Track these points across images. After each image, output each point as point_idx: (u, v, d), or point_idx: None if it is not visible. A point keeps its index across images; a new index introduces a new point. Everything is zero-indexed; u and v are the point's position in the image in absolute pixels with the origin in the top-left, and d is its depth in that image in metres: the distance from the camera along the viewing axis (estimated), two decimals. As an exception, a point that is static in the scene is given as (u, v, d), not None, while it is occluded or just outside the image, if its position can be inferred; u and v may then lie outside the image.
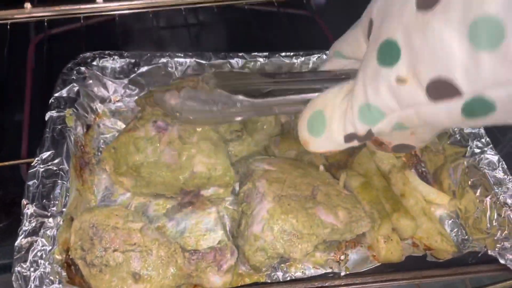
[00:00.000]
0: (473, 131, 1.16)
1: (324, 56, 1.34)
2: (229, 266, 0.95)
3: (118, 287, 0.88)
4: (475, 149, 1.12)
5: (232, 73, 1.02)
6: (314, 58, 1.34)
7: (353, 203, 1.02)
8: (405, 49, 0.55)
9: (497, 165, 1.09)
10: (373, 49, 0.59)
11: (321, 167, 1.10)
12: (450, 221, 1.13)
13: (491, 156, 1.10)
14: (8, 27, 1.40)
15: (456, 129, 1.18)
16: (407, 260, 1.01)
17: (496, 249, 0.97)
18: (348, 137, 0.68)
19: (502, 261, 0.94)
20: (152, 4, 1.39)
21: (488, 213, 1.03)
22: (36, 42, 1.57)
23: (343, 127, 0.67)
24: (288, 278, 0.99)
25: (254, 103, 0.80)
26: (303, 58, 1.33)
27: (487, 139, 1.15)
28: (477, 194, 1.07)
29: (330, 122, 0.69)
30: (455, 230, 1.11)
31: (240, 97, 0.81)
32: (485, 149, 1.12)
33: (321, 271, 1.01)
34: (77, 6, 1.33)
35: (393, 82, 0.57)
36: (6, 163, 1.12)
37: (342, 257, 1.05)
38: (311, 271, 1.01)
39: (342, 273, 0.97)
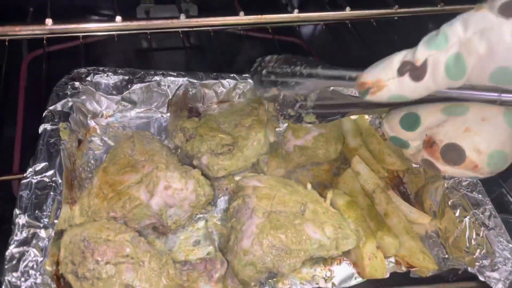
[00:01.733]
0: (452, 154, 1.22)
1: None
2: (220, 275, 0.97)
3: (110, 299, 0.88)
4: (454, 172, 1.18)
5: None
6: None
7: (339, 221, 1.05)
8: None
9: (475, 187, 1.14)
10: None
11: (309, 186, 1.13)
12: (430, 241, 1.17)
13: (470, 179, 1.16)
14: (6, 43, 1.41)
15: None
16: (392, 277, 1.04)
17: (476, 267, 1.01)
18: (403, 65, 0.71)
19: (481, 278, 0.98)
20: (150, 26, 1.42)
21: (467, 232, 1.08)
22: (31, 58, 1.58)
23: (403, 54, 0.72)
24: (276, 293, 1.01)
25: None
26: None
27: (466, 162, 1.20)
28: (457, 214, 1.12)
29: (392, 54, 0.74)
30: (436, 249, 1.15)
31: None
32: (464, 171, 1.18)
33: (307, 286, 1.04)
34: (76, 26, 1.35)
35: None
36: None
37: (328, 274, 1.07)
38: (298, 287, 1.04)
39: (328, 287, 0.99)
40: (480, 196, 1.13)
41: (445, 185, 1.17)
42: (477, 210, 1.09)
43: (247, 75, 1.37)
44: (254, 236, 0.97)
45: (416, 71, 0.71)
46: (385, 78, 0.74)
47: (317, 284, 1.05)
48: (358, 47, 1.86)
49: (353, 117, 1.44)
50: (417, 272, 1.09)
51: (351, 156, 1.30)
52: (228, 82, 1.35)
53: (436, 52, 0.69)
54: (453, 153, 0.75)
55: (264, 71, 1.14)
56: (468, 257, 1.06)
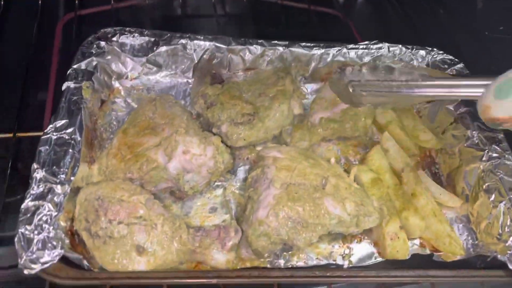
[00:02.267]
0: (492, 135, 1.13)
1: (344, 50, 1.32)
2: (233, 244, 0.95)
3: (122, 259, 0.87)
4: (493, 154, 1.09)
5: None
6: (334, 50, 1.32)
7: (362, 197, 1.00)
8: None
9: (513, 171, 1.06)
10: None
11: (332, 160, 1.08)
12: (460, 225, 1.10)
13: (510, 162, 1.07)
14: (40, 2, 1.41)
15: (474, 132, 1.15)
16: (413, 258, 0.98)
17: (507, 255, 0.94)
18: None
19: (511, 267, 0.91)
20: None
21: (501, 219, 1.00)
22: (66, 21, 1.57)
23: None
24: (290, 266, 0.98)
25: None
26: (323, 50, 1.32)
27: (506, 144, 1.12)
28: (491, 199, 1.04)
29: None
30: (465, 234, 1.09)
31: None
32: (504, 154, 1.09)
33: (324, 262, 1.00)
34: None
35: None
36: (27, 134, 1.13)
37: (347, 251, 1.03)
38: (314, 262, 1.00)
39: (345, 266, 0.95)
40: (518, 180, 1.04)
41: (481, 167, 1.09)
42: (515, 196, 1.01)
43: (276, 41, 1.31)
44: (270, 207, 0.94)
45: None
46: None
47: (334, 260, 1.01)
48: (400, 20, 1.75)
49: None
50: (442, 256, 1.03)
51: (381, 131, 1.24)
52: (255, 48, 1.30)
53: None
54: None
55: (350, 86, 1.10)
56: (500, 244, 0.99)
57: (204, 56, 1.28)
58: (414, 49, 1.35)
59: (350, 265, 0.98)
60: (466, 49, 1.47)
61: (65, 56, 1.38)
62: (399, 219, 1.03)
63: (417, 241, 1.07)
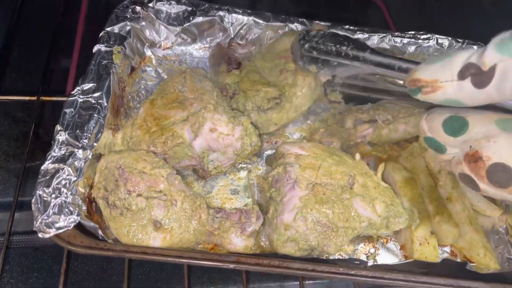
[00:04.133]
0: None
1: (389, 37, 1.24)
2: (253, 230, 0.90)
3: (137, 232, 0.84)
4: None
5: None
6: (378, 36, 1.25)
7: (391, 197, 0.93)
8: None
9: None
10: None
11: (358, 156, 1.01)
12: (497, 237, 1.03)
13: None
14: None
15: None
16: (444, 263, 0.92)
17: (546, 275, 0.87)
18: (467, 68, 0.64)
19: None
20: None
21: (542, 235, 0.93)
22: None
23: (467, 55, 0.65)
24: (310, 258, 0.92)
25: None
26: (366, 35, 1.24)
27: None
28: (533, 213, 0.96)
29: (453, 52, 0.69)
30: (501, 247, 1.01)
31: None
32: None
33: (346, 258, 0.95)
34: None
35: None
36: (51, 98, 1.10)
37: (372, 251, 0.98)
38: (335, 256, 0.95)
39: (370, 263, 0.90)
40: None
41: None
42: (561, 213, 0.93)
43: (317, 21, 1.24)
44: (297, 210, 0.87)
45: (481, 77, 0.62)
46: (443, 79, 0.67)
47: (358, 259, 0.95)
48: (439, 4, 1.63)
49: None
50: (474, 267, 0.96)
51: (420, 128, 1.16)
52: (295, 26, 1.23)
53: (509, 58, 0.59)
54: (502, 175, 0.67)
55: (306, 45, 1.05)
56: (538, 262, 0.91)
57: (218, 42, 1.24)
58: (465, 43, 1.26)
59: (375, 263, 0.92)
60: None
61: (92, 23, 1.35)
62: (431, 224, 0.96)
63: (447, 249, 1.00)
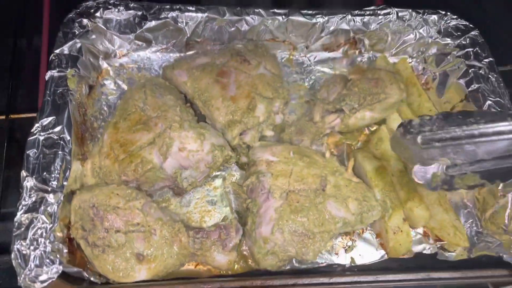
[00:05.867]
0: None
1: (349, 17, 1.21)
2: (234, 244, 0.94)
3: (122, 267, 0.87)
4: (504, 138, 1.04)
5: None
6: (338, 18, 1.21)
7: (363, 193, 0.97)
8: None
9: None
10: None
11: (327, 154, 1.03)
12: (466, 211, 1.08)
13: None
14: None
15: (487, 112, 1.08)
16: (416, 257, 0.98)
17: None
18: None
19: (516, 268, 0.91)
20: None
21: (508, 209, 0.98)
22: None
23: None
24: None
25: None
26: (326, 18, 1.21)
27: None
28: (500, 187, 1.00)
29: None
30: (470, 221, 1.07)
31: None
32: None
33: (326, 256, 0.99)
34: None
35: None
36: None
37: (350, 243, 1.02)
38: (320, 260, 0.98)
39: (347, 264, 0.95)
40: (530, 169, 1.00)
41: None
42: (525, 187, 0.98)
43: (274, 10, 1.20)
44: (273, 222, 0.89)
45: None
46: None
47: (337, 254, 1.00)
48: None
49: (391, 60, 1.27)
50: (446, 247, 1.02)
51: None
52: (252, 18, 1.19)
53: None
54: None
55: (419, 138, 0.84)
56: (505, 236, 0.97)
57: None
58: (426, 14, 1.24)
59: (352, 264, 0.97)
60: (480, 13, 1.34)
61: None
62: (403, 211, 1.00)
63: (420, 230, 1.05)
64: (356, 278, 0.85)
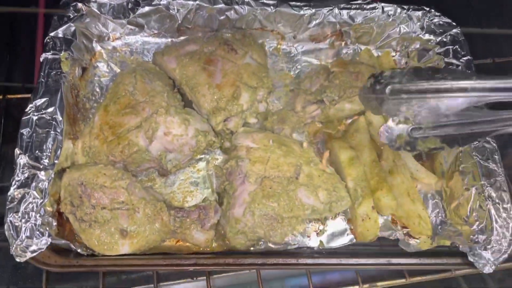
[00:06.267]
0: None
1: (336, 10, 1.25)
2: (212, 224, 1.01)
3: (107, 241, 0.94)
4: (473, 135, 1.10)
5: None
6: (325, 10, 1.25)
7: (334, 183, 1.03)
8: None
9: (491, 155, 1.07)
10: None
11: (305, 144, 1.09)
12: (433, 201, 1.15)
13: (488, 144, 1.08)
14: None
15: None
16: (379, 242, 1.05)
17: (470, 240, 1.00)
18: None
19: (470, 258, 0.98)
20: None
21: (471, 202, 1.04)
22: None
23: None
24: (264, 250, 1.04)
25: None
26: (313, 10, 1.25)
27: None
28: (465, 181, 1.07)
29: None
30: (436, 211, 1.14)
31: None
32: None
33: (299, 238, 1.07)
34: None
35: None
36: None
37: (321, 227, 1.09)
38: (288, 238, 1.06)
39: (316, 247, 1.02)
40: (494, 165, 1.06)
41: (460, 148, 1.10)
42: (487, 181, 1.04)
43: (264, 0, 1.23)
44: (246, 204, 0.97)
45: None
46: None
47: (309, 236, 1.07)
48: None
49: (375, 53, 1.32)
50: (411, 233, 1.10)
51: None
52: (241, 8, 1.23)
53: None
54: None
55: (388, 89, 0.88)
56: (465, 226, 1.04)
57: None
58: (410, 10, 1.28)
59: (321, 247, 1.04)
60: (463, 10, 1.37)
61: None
62: (372, 199, 1.07)
63: (389, 218, 1.12)
64: (321, 260, 0.92)
